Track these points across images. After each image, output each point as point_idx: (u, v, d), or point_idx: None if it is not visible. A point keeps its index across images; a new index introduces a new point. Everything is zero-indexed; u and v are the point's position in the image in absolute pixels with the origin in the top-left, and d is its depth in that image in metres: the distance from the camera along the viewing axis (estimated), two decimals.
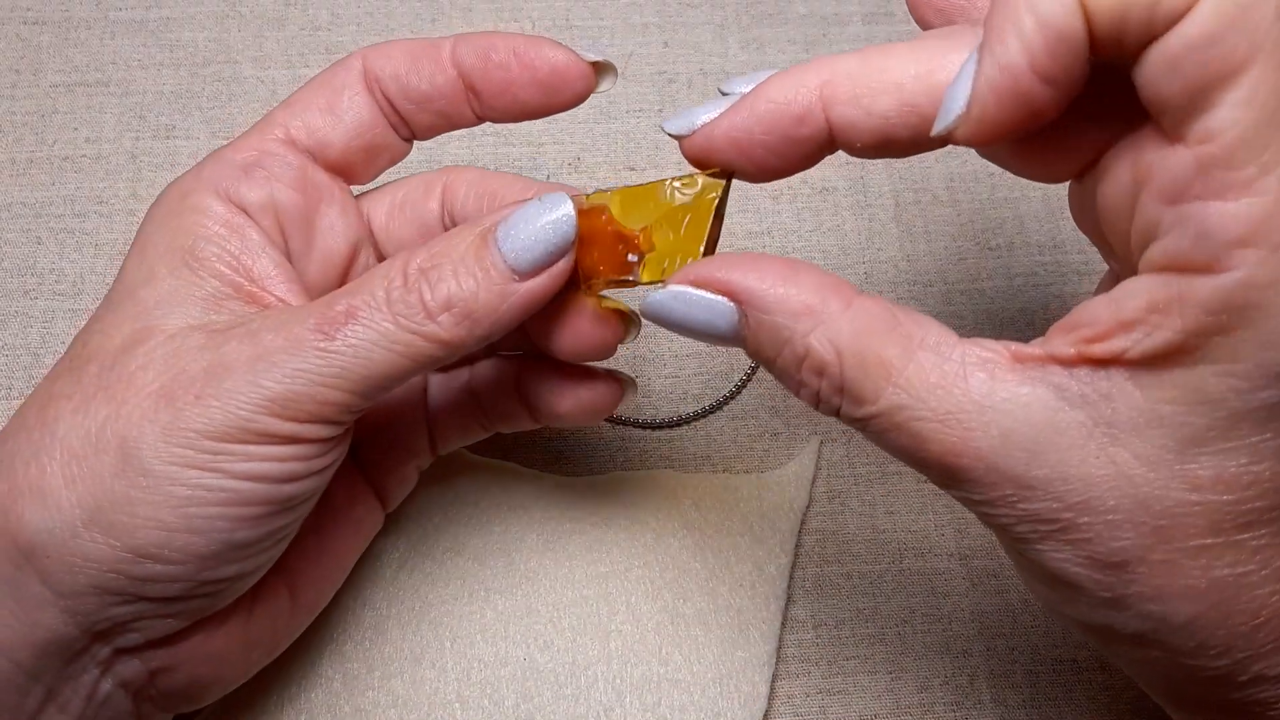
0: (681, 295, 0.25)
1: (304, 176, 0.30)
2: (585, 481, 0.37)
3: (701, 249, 0.26)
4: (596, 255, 0.27)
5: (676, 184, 0.27)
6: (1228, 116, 0.20)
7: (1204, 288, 0.21)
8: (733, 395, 0.39)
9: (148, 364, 0.26)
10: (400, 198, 0.31)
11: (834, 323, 0.23)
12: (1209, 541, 0.22)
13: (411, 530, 0.36)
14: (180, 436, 0.25)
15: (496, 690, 0.34)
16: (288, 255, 0.29)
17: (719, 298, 0.24)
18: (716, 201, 0.27)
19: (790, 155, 0.26)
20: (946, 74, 0.23)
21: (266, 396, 0.25)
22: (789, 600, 0.36)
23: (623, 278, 0.27)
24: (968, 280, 0.40)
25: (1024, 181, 0.41)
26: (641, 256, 0.27)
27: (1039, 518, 0.23)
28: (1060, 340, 0.23)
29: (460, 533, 0.36)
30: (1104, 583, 0.23)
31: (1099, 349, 0.22)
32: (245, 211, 0.28)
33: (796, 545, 0.36)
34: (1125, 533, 0.22)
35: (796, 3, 0.46)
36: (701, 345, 0.39)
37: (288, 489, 0.26)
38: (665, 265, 0.27)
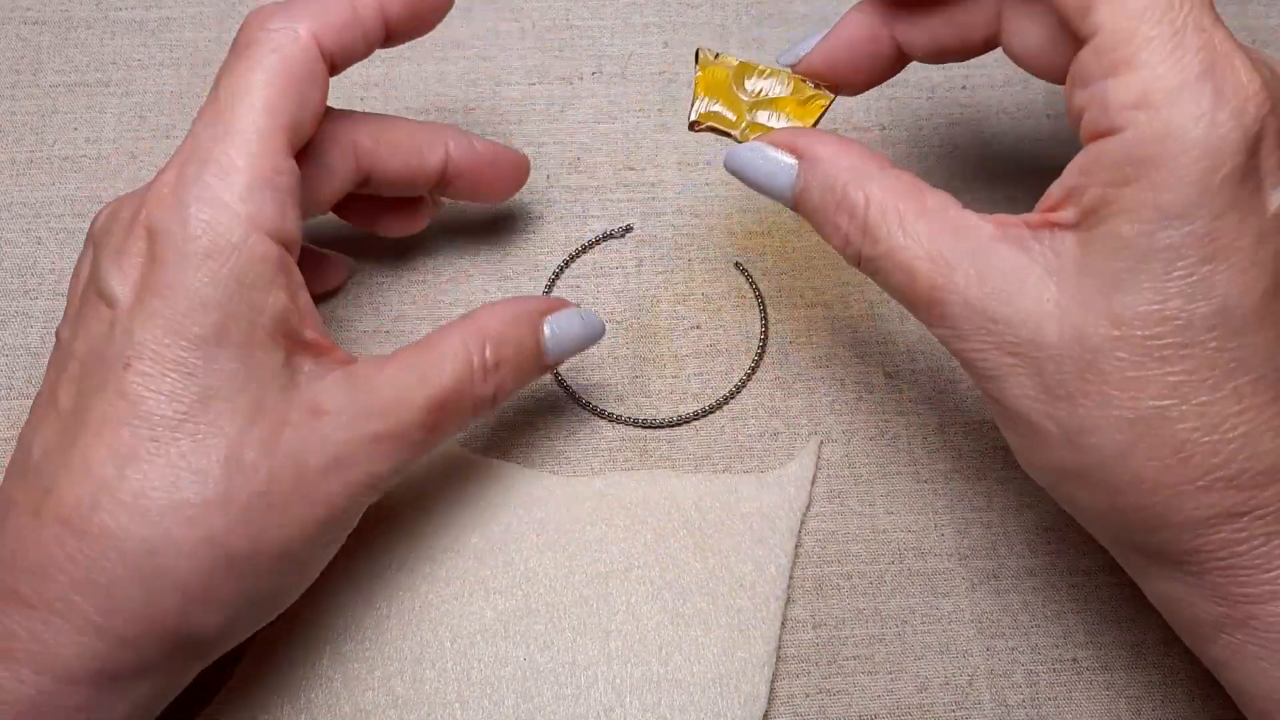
0: (759, 149, 0.32)
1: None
2: (585, 481, 0.37)
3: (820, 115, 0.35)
4: (712, 95, 0.35)
5: (807, 83, 0.35)
6: (1105, 13, 0.26)
7: (1109, 148, 0.26)
8: (733, 395, 0.39)
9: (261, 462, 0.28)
10: (396, 141, 0.35)
11: (870, 179, 0.30)
12: (1131, 375, 0.26)
13: (411, 530, 0.36)
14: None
15: (496, 690, 0.34)
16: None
17: (785, 154, 0.32)
18: (823, 110, 0.35)
19: (870, 68, 0.34)
20: (980, 3, 0.31)
21: (378, 485, 0.30)
22: (789, 600, 0.36)
23: (725, 130, 0.35)
24: None
25: (1028, 183, 0.41)
26: (739, 117, 0.35)
27: (1003, 349, 0.28)
28: (1033, 213, 0.28)
29: (460, 532, 0.36)
30: (1054, 416, 0.27)
31: (1052, 215, 0.27)
32: (288, 247, 0.29)
33: (796, 545, 0.36)
34: (1067, 366, 0.27)
35: (797, 2, 0.46)
36: (701, 346, 0.39)
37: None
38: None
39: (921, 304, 0.29)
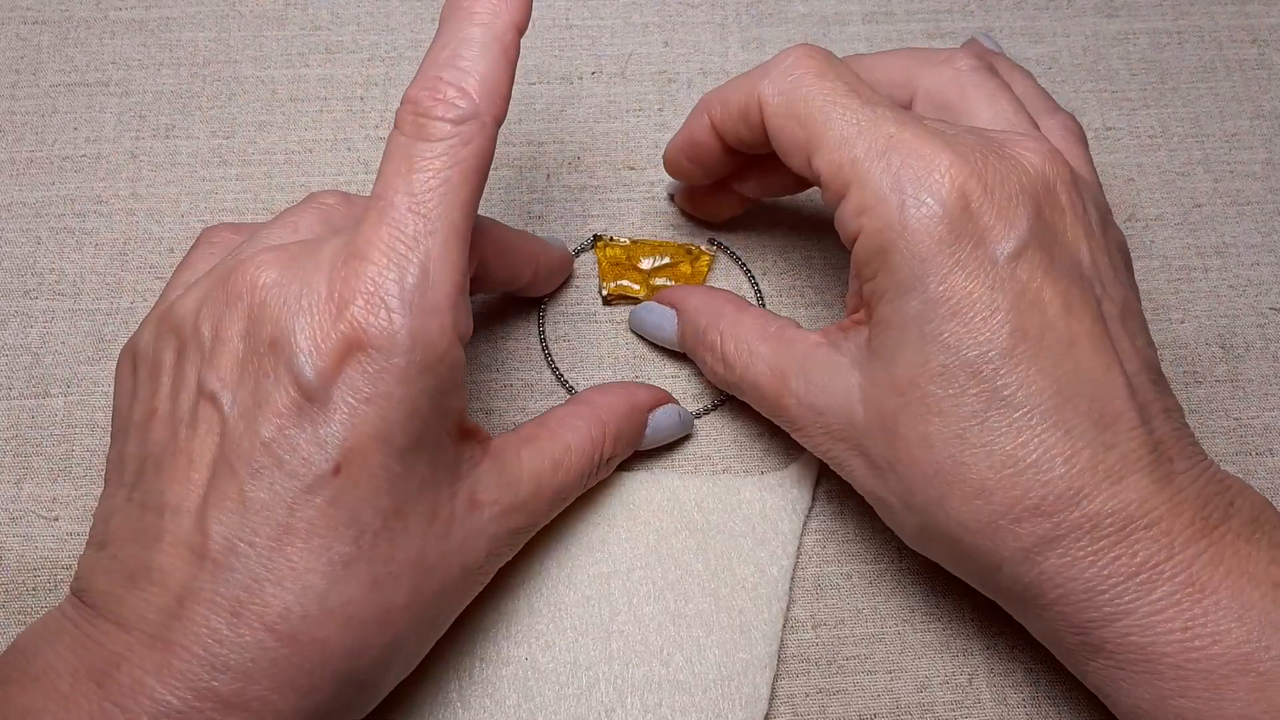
0: (649, 307, 0.39)
1: None
2: None
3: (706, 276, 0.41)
4: (615, 275, 0.40)
5: (694, 246, 0.41)
6: (818, 161, 0.31)
7: (857, 252, 0.31)
8: (727, 398, 0.39)
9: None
10: (506, 257, 0.36)
11: (724, 319, 0.36)
12: (921, 432, 0.29)
13: None
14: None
15: (498, 689, 0.34)
16: None
17: (666, 308, 0.38)
18: (709, 265, 0.41)
19: (711, 159, 0.37)
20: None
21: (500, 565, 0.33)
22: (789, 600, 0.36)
23: (634, 297, 0.40)
24: None
25: None
26: (642, 286, 0.40)
27: (833, 437, 0.32)
28: (845, 318, 0.33)
29: None
30: (886, 487, 0.31)
31: (853, 316, 0.32)
32: (465, 343, 0.30)
33: (799, 547, 0.36)
34: (878, 440, 0.31)
35: (796, 2, 0.46)
36: None
37: None
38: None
39: (772, 411, 0.34)
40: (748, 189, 0.39)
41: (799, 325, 0.35)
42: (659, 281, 0.40)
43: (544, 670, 0.34)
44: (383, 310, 0.27)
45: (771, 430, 0.38)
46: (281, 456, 0.27)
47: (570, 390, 0.39)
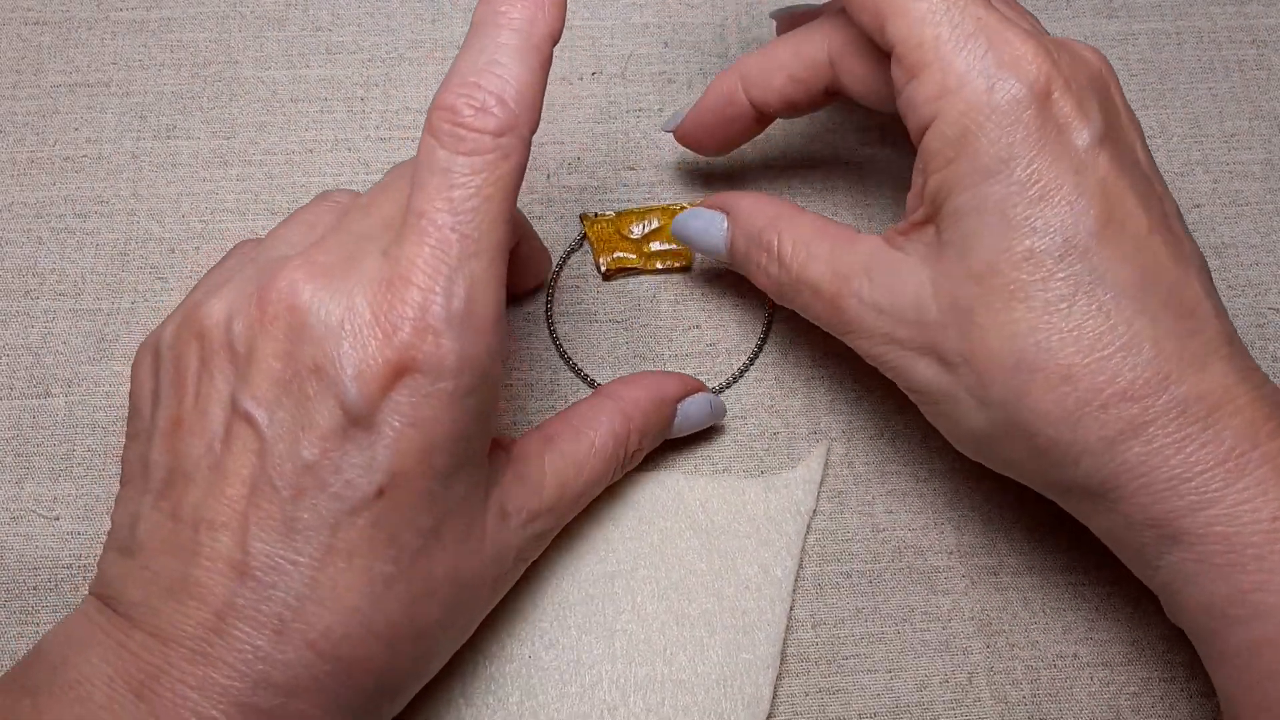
0: (696, 212, 0.37)
1: None
2: None
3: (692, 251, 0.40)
4: (608, 249, 0.41)
5: (675, 205, 0.41)
6: (894, 28, 0.30)
7: (929, 140, 0.30)
8: (732, 382, 0.39)
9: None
10: (521, 259, 0.37)
11: (782, 219, 0.35)
12: (1003, 320, 0.29)
13: None
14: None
15: (500, 687, 0.34)
16: None
17: (716, 212, 0.37)
18: None
19: (733, 128, 0.38)
20: (812, 50, 0.35)
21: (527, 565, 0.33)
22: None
23: (633, 267, 0.41)
24: None
25: None
26: (637, 254, 0.41)
27: (898, 339, 0.31)
28: (903, 222, 0.32)
29: None
30: (960, 382, 0.30)
31: (914, 217, 0.31)
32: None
33: (802, 549, 0.36)
34: (952, 334, 0.30)
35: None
36: (700, 346, 0.39)
37: None
38: (668, 258, 0.41)
39: (828, 313, 0.33)
40: (769, 97, 0.37)
41: (855, 229, 0.34)
42: (654, 247, 0.40)
43: (547, 668, 0.34)
44: (430, 335, 0.27)
45: (769, 431, 0.38)
46: (325, 479, 0.27)
47: (589, 382, 0.39)
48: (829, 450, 0.38)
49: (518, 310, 0.40)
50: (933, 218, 0.31)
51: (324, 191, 0.33)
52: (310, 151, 0.42)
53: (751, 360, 0.39)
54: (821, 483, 0.37)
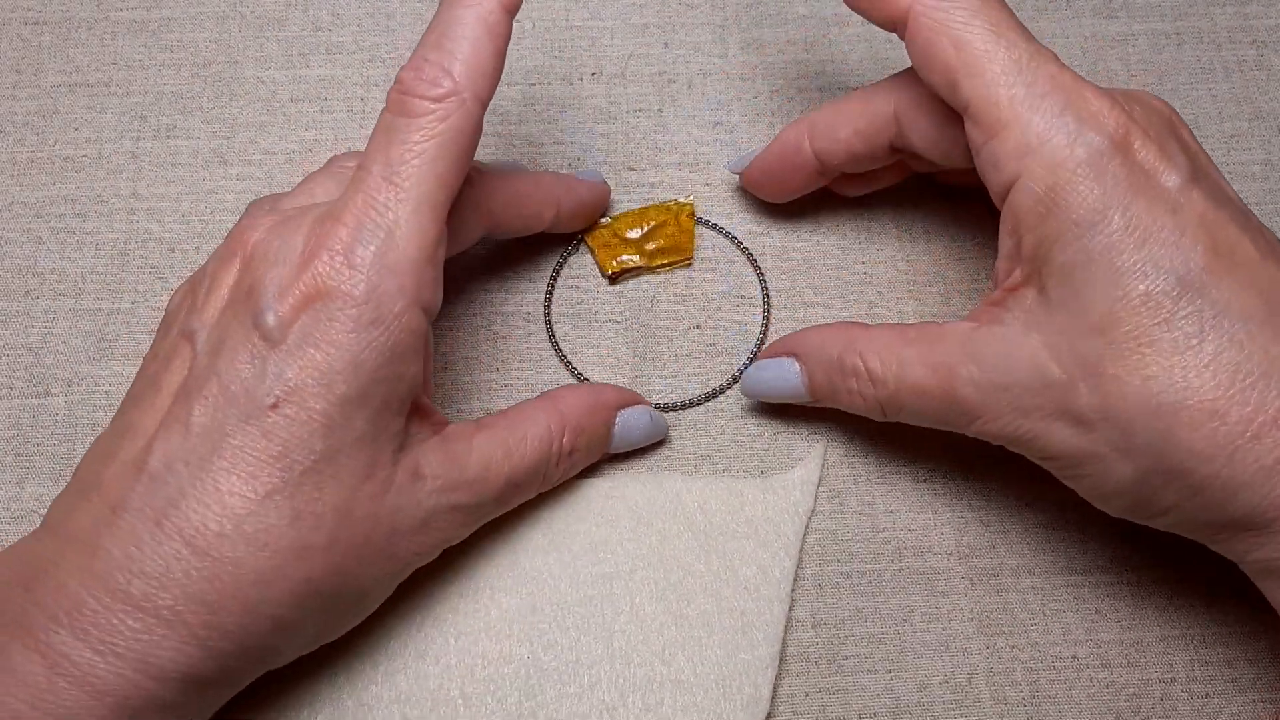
0: (764, 365, 0.37)
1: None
2: (591, 482, 0.37)
3: (693, 246, 0.41)
4: (610, 253, 0.41)
5: (670, 202, 0.41)
6: (968, 88, 0.31)
7: (1017, 199, 0.30)
8: (732, 383, 0.39)
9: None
10: (520, 203, 0.37)
11: (857, 341, 0.34)
12: (1135, 368, 0.28)
13: None
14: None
15: (499, 688, 0.34)
16: None
17: (785, 358, 0.36)
18: (692, 212, 0.41)
19: (796, 179, 0.39)
20: (879, 105, 0.36)
21: (444, 547, 0.33)
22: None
23: (636, 267, 0.41)
24: (968, 280, 0.41)
25: None
26: (640, 255, 0.41)
27: (1027, 410, 0.31)
28: (994, 292, 0.32)
29: None
30: (1101, 439, 0.29)
31: (1006, 284, 0.32)
32: (430, 317, 0.31)
33: (800, 549, 0.36)
34: (1083, 392, 0.29)
35: (796, 3, 0.46)
36: (700, 346, 0.40)
37: None
38: (669, 255, 0.41)
39: (944, 409, 0.32)
40: (834, 149, 0.37)
41: (937, 323, 0.34)
42: (653, 246, 0.40)
43: (546, 669, 0.34)
44: (345, 267, 0.29)
45: (770, 431, 0.38)
46: (228, 387, 0.29)
47: (580, 380, 0.39)
48: (827, 450, 0.38)
49: (518, 310, 0.40)
50: (1032, 278, 0.31)
51: (334, 156, 0.35)
52: (310, 151, 0.42)
53: (753, 358, 0.39)
54: (820, 483, 0.37)
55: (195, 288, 0.32)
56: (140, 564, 0.27)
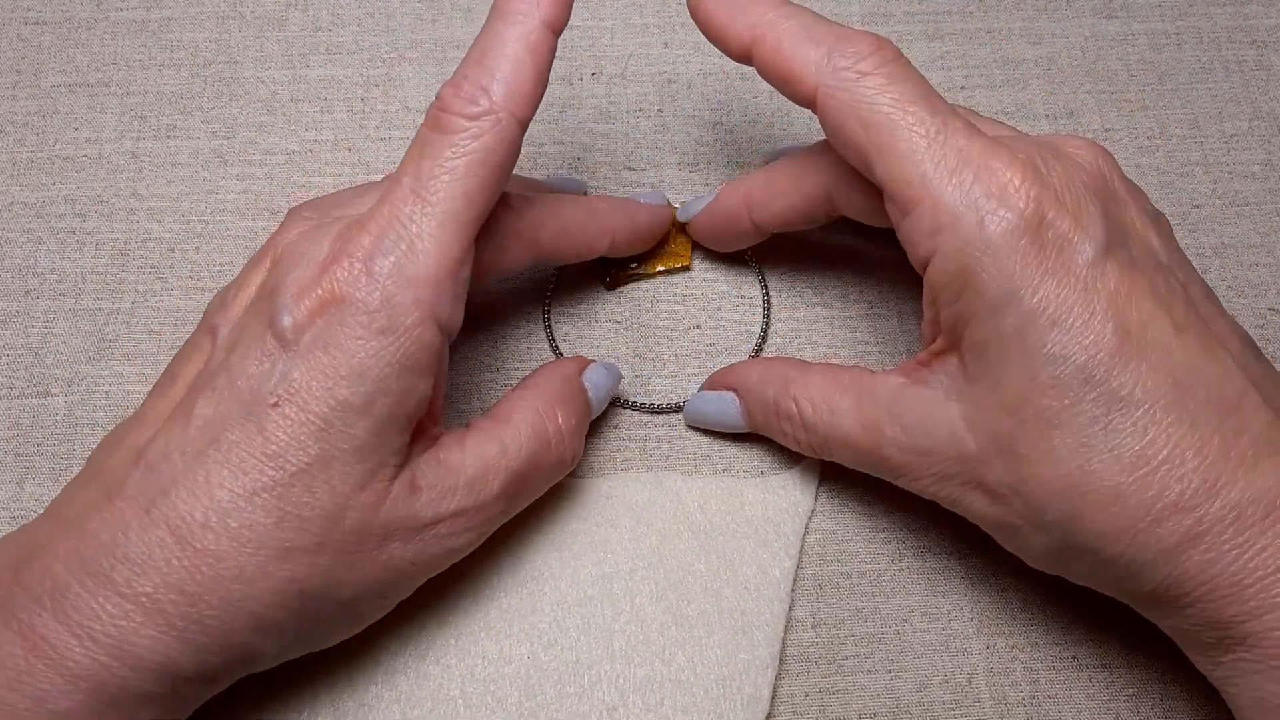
0: (704, 398, 0.38)
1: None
2: (591, 482, 0.37)
3: (690, 252, 0.41)
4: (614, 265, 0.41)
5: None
6: (881, 167, 0.30)
7: (932, 276, 0.30)
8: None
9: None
10: (570, 235, 0.36)
11: (793, 383, 0.35)
12: (1043, 449, 0.29)
13: None
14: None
15: (500, 687, 0.34)
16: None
17: (725, 392, 0.37)
18: (673, 220, 0.41)
19: (737, 238, 0.39)
20: (811, 184, 0.35)
21: (453, 558, 0.33)
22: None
23: (630, 273, 0.41)
24: None
25: None
26: (641, 263, 0.41)
27: (945, 476, 0.31)
28: (922, 352, 0.33)
29: None
30: (1013, 512, 0.30)
31: (932, 348, 0.32)
32: (449, 337, 0.31)
33: (800, 549, 0.36)
34: (996, 467, 0.30)
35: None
36: (700, 346, 0.40)
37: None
38: (668, 261, 0.41)
39: (870, 463, 0.33)
40: (769, 220, 0.38)
41: (871, 370, 0.34)
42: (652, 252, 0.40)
43: (546, 669, 0.34)
44: (363, 275, 0.29)
45: None
46: (235, 383, 0.29)
47: None
48: None
49: (518, 310, 0.40)
50: (953, 348, 0.31)
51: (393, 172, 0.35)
52: (310, 151, 0.42)
53: (756, 355, 0.39)
54: (820, 483, 0.37)
55: (230, 288, 0.32)
56: (125, 549, 0.28)
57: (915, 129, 0.30)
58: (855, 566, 0.37)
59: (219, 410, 0.29)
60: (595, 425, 0.38)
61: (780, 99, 0.44)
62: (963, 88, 0.44)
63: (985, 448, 0.30)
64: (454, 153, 0.30)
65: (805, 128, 0.43)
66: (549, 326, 0.40)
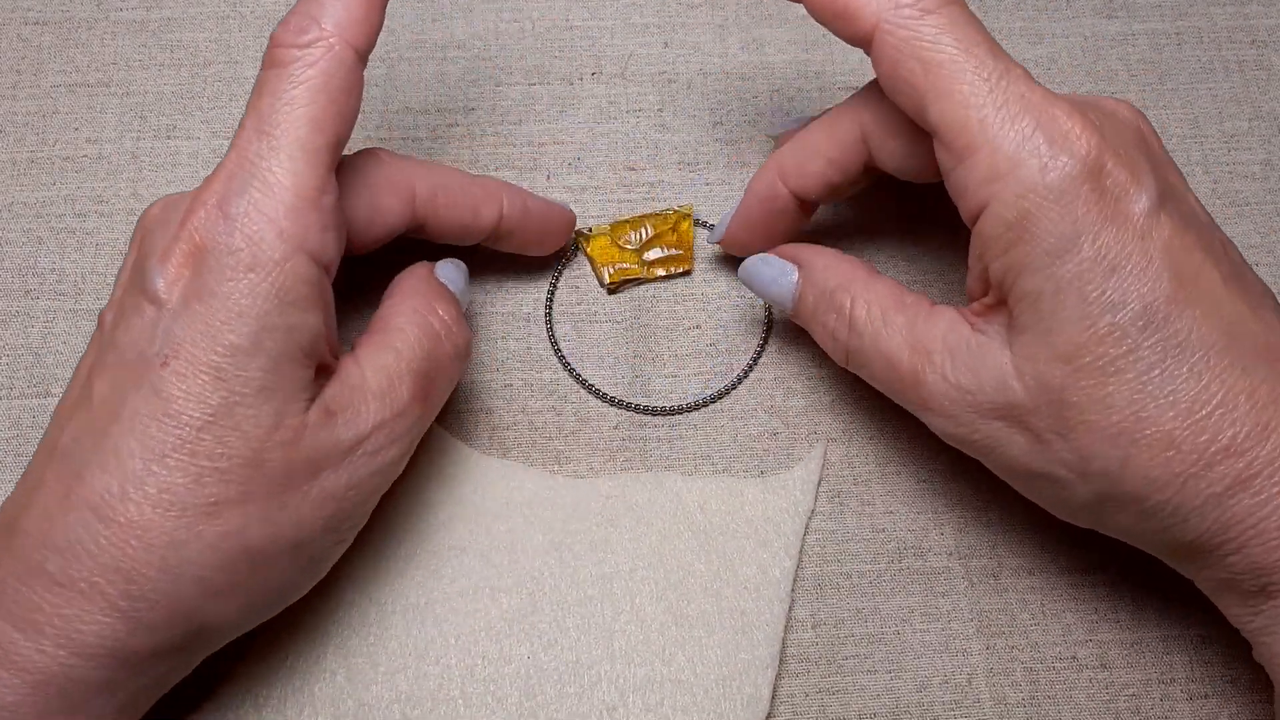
0: (767, 259, 0.37)
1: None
2: (591, 482, 0.37)
3: (692, 255, 0.41)
4: (609, 261, 0.41)
5: (668, 211, 0.41)
6: (937, 111, 0.30)
7: (985, 226, 0.30)
8: (732, 387, 0.39)
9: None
10: (452, 194, 0.36)
11: (856, 283, 0.34)
12: (1098, 397, 0.29)
13: (416, 528, 0.36)
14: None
15: (500, 688, 0.34)
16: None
17: (788, 262, 0.36)
18: (690, 220, 0.41)
19: (778, 225, 0.37)
20: (845, 131, 0.35)
21: (386, 474, 0.32)
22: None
23: (635, 277, 0.41)
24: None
25: None
26: (639, 264, 0.41)
27: (985, 415, 0.31)
28: (970, 305, 0.32)
29: (465, 531, 0.36)
30: (1057, 460, 0.30)
31: (982, 303, 0.32)
32: (326, 269, 0.30)
33: (800, 549, 0.36)
34: (1044, 414, 0.30)
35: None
36: (700, 346, 0.40)
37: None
38: (668, 264, 0.41)
39: (904, 388, 0.33)
40: (809, 185, 0.36)
41: (932, 301, 0.34)
42: (651, 255, 0.40)
43: (546, 669, 0.34)
44: (219, 218, 0.29)
45: (769, 432, 0.38)
46: (123, 354, 0.29)
47: (585, 385, 0.39)
48: (827, 450, 0.38)
49: (518, 311, 0.40)
50: (1002, 301, 0.31)
51: None
52: None
53: (754, 360, 0.39)
54: (820, 483, 0.37)
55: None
56: (52, 538, 0.28)
57: (977, 72, 0.30)
58: (855, 566, 0.37)
59: (115, 385, 0.29)
60: (595, 425, 0.38)
61: (779, 99, 0.44)
62: None
63: (1034, 396, 0.30)
64: (290, 83, 0.30)
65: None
66: (549, 326, 0.40)
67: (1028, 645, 0.35)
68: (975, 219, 0.30)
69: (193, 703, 0.33)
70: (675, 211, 0.41)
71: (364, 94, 0.43)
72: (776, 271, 0.36)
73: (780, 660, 0.35)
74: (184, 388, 0.28)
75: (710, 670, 0.34)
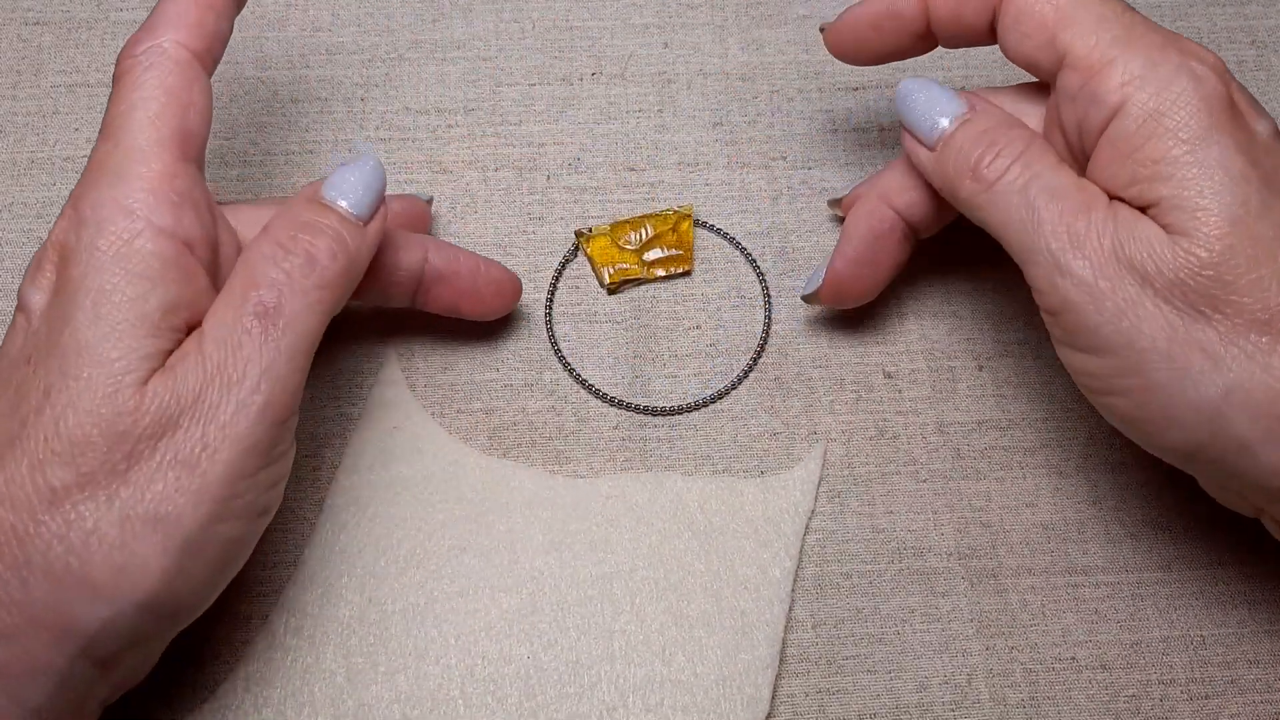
0: (931, 83, 0.35)
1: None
2: (591, 482, 0.37)
3: (692, 256, 0.41)
4: (609, 262, 0.40)
5: (668, 211, 0.41)
6: (1067, 36, 0.31)
7: (1121, 125, 0.30)
8: (732, 388, 0.39)
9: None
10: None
11: (1034, 148, 0.32)
12: (1251, 274, 0.29)
13: (416, 528, 0.36)
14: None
15: (500, 688, 0.34)
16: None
17: (954, 91, 0.34)
18: (691, 220, 0.41)
19: (887, 257, 0.37)
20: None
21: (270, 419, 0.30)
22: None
23: (635, 277, 0.40)
24: (968, 279, 0.41)
25: None
26: (639, 265, 0.40)
27: (1134, 274, 0.30)
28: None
29: (465, 531, 0.36)
30: (1196, 340, 0.29)
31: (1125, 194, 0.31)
32: (191, 245, 0.30)
33: (800, 549, 0.36)
34: (1192, 287, 0.29)
35: (796, 4, 0.46)
36: (700, 346, 0.40)
37: (273, 493, 0.31)
38: (668, 265, 0.41)
39: (1058, 228, 0.31)
40: (919, 217, 0.37)
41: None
42: (652, 255, 0.40)
43: (546, 669, 0.34)
44: (72, 217, 0.30)
45: (769, 432, 0.38)
46: (2, 374, 0.29)
47: (585, 385, 0.39)
48: (827, 451, 0.38)
49: (518, 311, 0.40)
50: (1130, 189, 0.31)
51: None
52: (310, 152, 0.42)
53: (754, 360, 0.39)
54: (820, 483, 0.37)
55: None
56: None
57: (1104, 6, 0.31)
58: (855, 566, 0.37)
59: (1, 407, 0.29)
60: (595, 425, 0.38)
61: (778, 99, 0.44)
62: (963, 87, 0.44)
63: (1185, 269, 0.29)
64: (129, 89, 0.31)
65: (805, 128, 0.43)
66: (549, 326, 0.40)
67: (1027, 646, 0.36)
68: (1103, 130, 0.31)
69: (193, 703, 0.33)
70: (675, 211, 0.41)
71: (366, 94, 0.43)
72: (943, 96, 0.34)
73: (780, 660, 0.35)
74: (37, 381, 0.28)
75: (710, 670, 0.34)
